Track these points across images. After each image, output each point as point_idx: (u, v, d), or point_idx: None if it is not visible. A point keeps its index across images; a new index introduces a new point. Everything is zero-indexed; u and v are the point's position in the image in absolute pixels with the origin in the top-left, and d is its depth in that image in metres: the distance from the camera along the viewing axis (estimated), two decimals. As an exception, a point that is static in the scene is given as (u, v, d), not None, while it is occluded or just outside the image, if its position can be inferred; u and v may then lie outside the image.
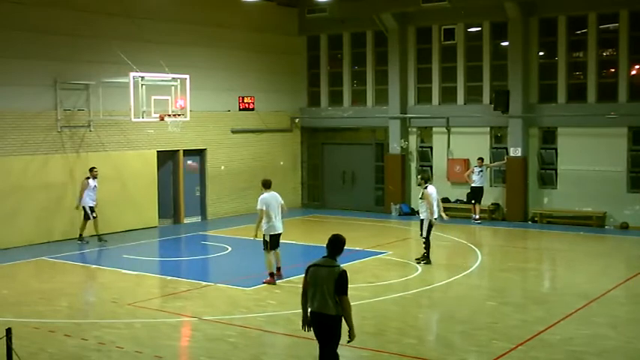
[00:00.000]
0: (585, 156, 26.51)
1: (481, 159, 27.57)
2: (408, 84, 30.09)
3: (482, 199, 27.63)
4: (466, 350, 12.26)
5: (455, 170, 28.88)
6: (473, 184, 27.47)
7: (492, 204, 28.17)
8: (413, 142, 30.18)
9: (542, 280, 19.06)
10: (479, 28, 28.88)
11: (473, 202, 27.61)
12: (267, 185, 17.59)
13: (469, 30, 29.13)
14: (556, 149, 27.36)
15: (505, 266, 19.82)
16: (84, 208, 22.52)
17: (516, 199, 27.62)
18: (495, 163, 27.96)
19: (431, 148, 29.90)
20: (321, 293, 9.52)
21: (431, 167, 29.71)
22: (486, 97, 28.53)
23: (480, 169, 27.41)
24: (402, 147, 29.91)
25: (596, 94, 26.67)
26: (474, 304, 15.63)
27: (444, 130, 29.26)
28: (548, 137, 27.65)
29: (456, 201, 28.98)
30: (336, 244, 9.73)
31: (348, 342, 9.72)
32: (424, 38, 29.91)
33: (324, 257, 9.75)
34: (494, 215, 28.11)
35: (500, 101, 27.54)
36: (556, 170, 27.32)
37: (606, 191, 26.14)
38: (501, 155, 28.01)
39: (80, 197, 22.50)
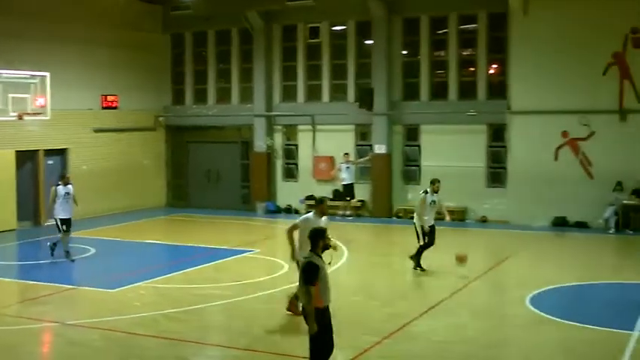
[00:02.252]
0: (447, 152, 27.20)
1: (347, 154, 27.89)
2: (273, 82, 30.11)
3: (352, 195, 28.01)
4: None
5: (320, 168, 29.10)
6: (344, 182, 27.71)
7: (358, 200, 28.50)
8: (278, 140, 30.23)
9: (407, 273, 19.37)
10: (344, 27, 29.19)
11: (348, 198, 27.89)
12: (316, 205, 14.12)
13: (334, 28, 29.39)
14: (419, 146, 27.97)
15: (371, 261, 20.07)
16: (55, 220, 20.18)
17: (381, 195, 28.05)
18: (360, 160, 28.31)
19: (296, 145, 30.03)
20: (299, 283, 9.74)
21: (296, 165, 29.87)
22: (351, 95, 28.89)
23: (346, 166, 27.70)
24: (267, 145, 29.90)
25: (457, 92, 27.43)
26: (341, 299, 15.66)
27: (310, 127, 29.43)
28: (412, 134, 28.23)
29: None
30: (310, 237, 9.82)
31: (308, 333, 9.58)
32: (290, 36, 30.01)
33: (309, 250, 9.83)
34: (359, 211, 28.45)
35: (365, 99, 27.91)
36: (419, 166, 27.93)
37: (467, 186, 26.88)
38: (366, 152, 28.39)
39: (52, 208, 20.21)
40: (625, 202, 24.64)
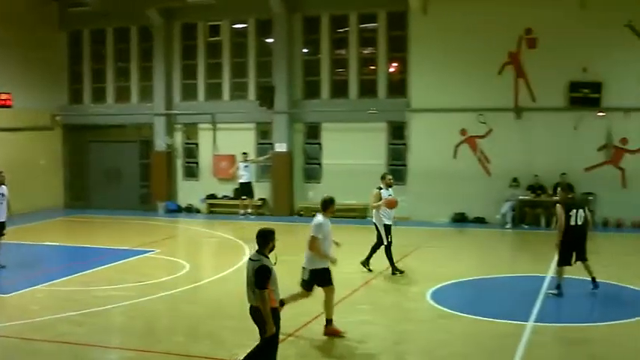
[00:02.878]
0: (348, 150, 27.39)
1: (245, 154, 27.80)
2: (173, 80, 29.81)
3: (250, 194, 27.89)
4: (237, 344, 12.17)
5: (221, 166, 28.93)
6: (241, 180, 27.60)
7: (259, 199, 28.44)
8: (179, 139, 29.91)
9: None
10: (244, 25, 29.08)
11: (244, 197, 27.75)
12: (326, 206, 13.14)
13: (235, 26, 29.26)
14: (320, 144, 28.09)
15: (273, 259, 19.97)
16: None
17: (282, 194, 28.05)
18: (260, 158, 28.27)
19: (197, 144, 29.78)
20: (248, 285, 9.81)
21: (197, 164, 29.62)
22: (252, 94, 28.80)
23: (245, 165, 27.59)
24: (167, 144, 29.55)
25: (358, 90, 27.66)
26: (243, 298, 15.58)
27: (210, 126, 29.20)
28: (313, 132, 28.33)
29: (223, 197, 29.05)
30: (258, 238, 9.91)
31: (263, 336, 9.71)
32: (190, 34, 29.76)
33: (255, 251, 9.89)
34: (260, 210, 28.38)
35: (266, 97, 27.88)
36: (320, 164, 28.04)
37: (368, 184, 26.87)
38: (267, 151, 28.34)
39: None
40: (521, 197, 25.29)
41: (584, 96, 24.99)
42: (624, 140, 24.99)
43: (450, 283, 16.49)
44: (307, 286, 12.73)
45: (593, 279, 15.04)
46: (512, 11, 25.32)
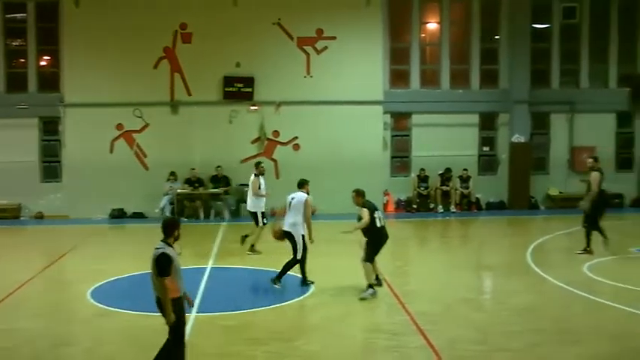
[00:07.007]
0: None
1: None
2: None
3: None
4: None
5: None
6: None
7: None
8: None
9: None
10: None
11: None
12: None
13: None
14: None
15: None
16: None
17: None
18: None
19: None
20: (152, 274, 9.64)
21: None
22: None
23: None
24: None
25: (6, 84, 26.50)
26: None
27: None
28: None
29: None
30: (163, 227, 9.76)
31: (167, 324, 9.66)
32: None
33: (160, 240, 9.70)
34: None
35: None
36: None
37: (19, 182, 26.03)
38: None
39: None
40: (179, 191, 25.56)
41: (238, 90, 25.88)
42: (276, 133, 26.23)
43: (110, 280, 16.23)
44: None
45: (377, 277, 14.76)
46: (167, 6, 25.57)
